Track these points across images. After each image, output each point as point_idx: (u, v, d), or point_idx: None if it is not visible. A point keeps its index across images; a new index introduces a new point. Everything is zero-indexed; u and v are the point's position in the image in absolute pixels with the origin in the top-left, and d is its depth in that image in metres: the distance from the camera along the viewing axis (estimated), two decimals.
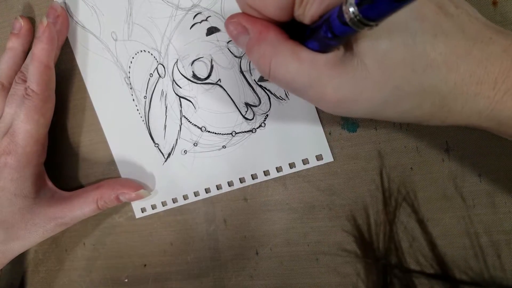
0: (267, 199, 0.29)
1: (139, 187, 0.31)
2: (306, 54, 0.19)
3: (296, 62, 0.19)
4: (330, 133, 0.27)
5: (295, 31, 0.20)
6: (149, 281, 0.33)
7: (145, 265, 0.33)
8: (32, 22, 0.32)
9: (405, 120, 0.20)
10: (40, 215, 0.29)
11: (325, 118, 0.27)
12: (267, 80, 0.25)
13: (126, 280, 0.33)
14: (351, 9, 0.15)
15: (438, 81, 0.18)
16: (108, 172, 0.33)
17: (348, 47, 0.18)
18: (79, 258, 0.35)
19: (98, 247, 0.34)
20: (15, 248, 0.30)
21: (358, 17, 0.14)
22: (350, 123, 0.27)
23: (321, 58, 0.18)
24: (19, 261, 0.37)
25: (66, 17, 0.30)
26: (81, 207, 0.30)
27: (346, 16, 0.15)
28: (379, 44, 0.17)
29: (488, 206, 0.25)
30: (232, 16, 0.21)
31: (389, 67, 0.18)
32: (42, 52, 0.28)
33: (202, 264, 0.31)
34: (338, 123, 0.27)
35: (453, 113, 0.19)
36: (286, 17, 0.19)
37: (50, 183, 0.31)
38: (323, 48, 0.18)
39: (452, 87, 0.18)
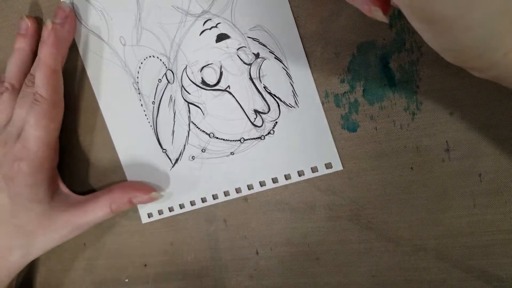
0: (267, 199, 0.29)
1: (151, 189, 0.31)
2: None
3: None
4: (330, 133, 0.27)
5: None
6: (149, 281, 0.33)
7: (145, 265, 0.33)
8: (38, 20, 0.32)
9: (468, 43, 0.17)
10: (56, 220, 0.29)
11: (326, 118, 0.27)
12: None
13: (126, 280, 0.33)
14: None
15: None
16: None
17: None
18: (79, 258, 0.35)
19: (98, 247, 0.34)
20: (34, 252, 0.30)
21: None
22: (350, 123, 0.27)
23: None
24: None
25: (74, 18, 0.30)
26: (94, 211, 0.30)
27: None
28: None
29: (488, 206, 0.25)
30: None
31: None
32: (49, 56, 0.28)
33: (202, 264, 0.31)
34: (338, 123, 0.27)
35: None
36: None
37: (64, 187, 0.31)
38: None
39: None
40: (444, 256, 0.26)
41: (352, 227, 0.27)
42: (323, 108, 0.27)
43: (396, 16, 0.24)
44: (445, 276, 0.26)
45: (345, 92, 0.26)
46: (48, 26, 0.28)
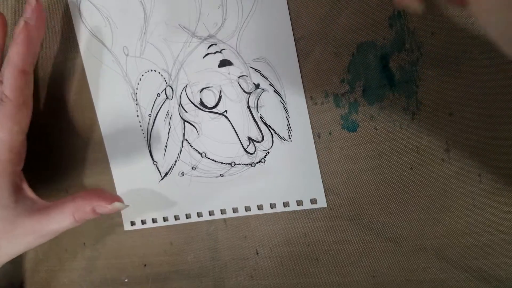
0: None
1: (115, 198, 0.29)
2: None
3: None
4: (330, 133, 0.27)
5: None
6: (149, 281, 0.33)
7: (145, 265, 0.33)
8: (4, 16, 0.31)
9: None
10: (20, 227, 0.28)
11: (326, 118, 0.27)
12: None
13: (126, 280, 0.33)
14: None
15: None
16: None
17: None
18: (79, 258, 0.35)
19: (98, 247, 0.34)
20: None
21: None
22: (350, 123, 0.27)
23: None
24: (19, 261, 0.37)
25: (41, 11, 0.28)
26: (58, 220, 0.28)
27: None
28: None
29: (488, 206, 0.25)
30: None
31: None
32: (17, 56, 0.27)
33: (202, 264, 0.31)
34: (338, 123, 0.27)
35: None
36: None
37: (30, 192, 0.30)
38: None
39: None
40: (444, 256, 0.26)
41: (352, 227, 0.27)
42: (323, 109, 0.27)
43: (396, 16, 0.24)
44: (445, 276, 0.26)
45: (345, 92, 0.26)
46: (19, 24, 0.27)
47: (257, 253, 0.30)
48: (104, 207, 0.28)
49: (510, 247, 0.25)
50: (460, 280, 0.26)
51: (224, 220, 0.30)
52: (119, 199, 0.29)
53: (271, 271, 0.30)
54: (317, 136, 0.27)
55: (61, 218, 0.28)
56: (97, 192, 0.29)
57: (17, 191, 0.29)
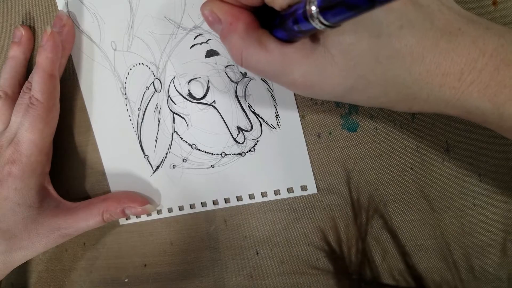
0: (267, 199, 0.29)
1: (145, 201, 0.31)
2: (274, 45, 0.20)
3: (266, 53, 0.20)
4: (330, 133, 0.27)
5: (267, 15, 0.21)
6: (149, 281, 0.33)
7: (145, 265, 0.33)
8: (32, 29, 0.32)
9: (373, 105, 0.21)
10: (44, 225, 0.29)
11: (326, 118, 0.27)
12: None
13: (126, 280, 0.33)
14: (313, 10, 0.15)
15: (402, 72, 0.18)
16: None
17: (315, 36, 0.19)
18: (79, 258, 0.35)
19: (98, 247, 0.34)
20: (17, 258, 0.29)
21: (320, 19, 0.15)
22: (350, 123, 0.27)
23: (289, 47, 0.19)
24: None
25: (72, 27, 0.30)
26: (86, 218, 0.30)
27: (309, 16, 0.16)
28: (344, 36, 0.18)
29: (488, 206, 0.25)
30: (206, 3, 0.22)
31: (354, 57, 0.18)
32: (46, 61, 0.28)
33: (202, 264, 0.31)
34: (339, 123, 0.27)
35: (418, 101, 0.19)
36: (257, 3, 0.20)
37: (55, 193, 0.31)
38: (291, 38, 0.19)
39: (417, 78, 0.18)
40: (444, 256, 0.26)
41: (352, 227, 0.27)
42: (323, 109, 0.27)
43: None
44: (445, 276, 0.26)
45: None
46: (47, 31, 0.28)
47: (257, 253, 0.30)
48: (135, 209, 0.30)
49: (510, 247, 0.25)
50: (460, 280, 0.26)
51: (224, 220, 0.30)
52: (149, 202, 0.31)
53: (271, 271, 0.30)
54: (317, 136, 0.27)
55: (90, 218, 0.30)
56: (127, 195, 0.31)
57: (43, 192, 0.30)
